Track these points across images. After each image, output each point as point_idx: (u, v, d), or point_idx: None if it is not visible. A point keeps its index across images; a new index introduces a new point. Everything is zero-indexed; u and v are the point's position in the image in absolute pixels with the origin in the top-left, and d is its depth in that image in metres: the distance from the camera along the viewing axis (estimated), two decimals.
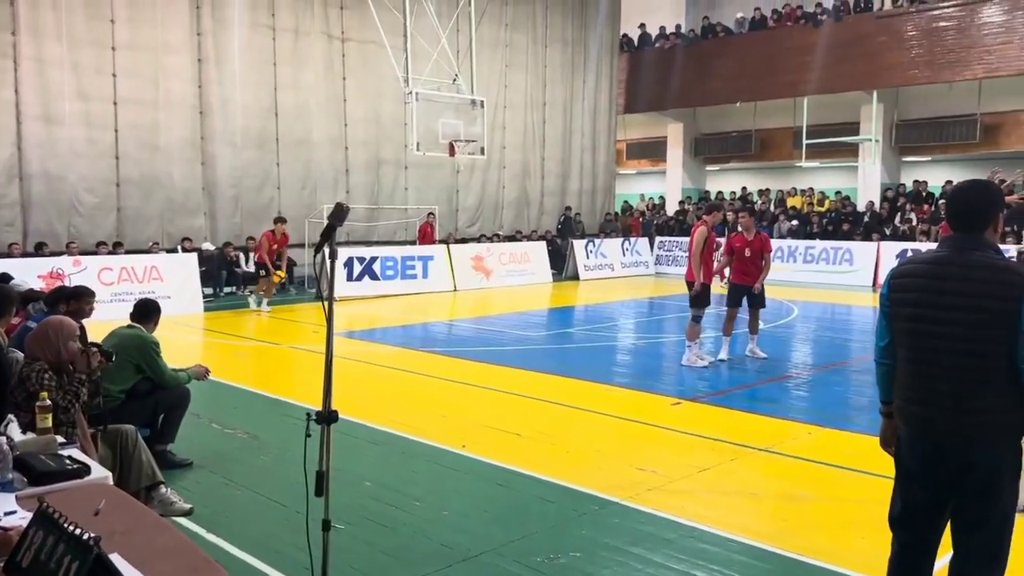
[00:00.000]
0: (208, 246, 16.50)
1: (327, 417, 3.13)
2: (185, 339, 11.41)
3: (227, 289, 16.59)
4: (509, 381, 8.84)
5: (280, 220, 14.71)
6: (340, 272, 16.38)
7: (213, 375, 6.28)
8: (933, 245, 18.47)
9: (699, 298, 9.36)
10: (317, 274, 13.90)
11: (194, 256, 15.00)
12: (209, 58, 16.76)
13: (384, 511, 4.94)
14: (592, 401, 7.93)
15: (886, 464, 3.29)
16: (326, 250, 3.14)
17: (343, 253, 16.53)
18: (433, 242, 18.90)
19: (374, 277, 16.84)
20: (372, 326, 13.24)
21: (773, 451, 6.22)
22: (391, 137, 19.34)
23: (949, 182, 20.62)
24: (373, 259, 16.91)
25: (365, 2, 17.22)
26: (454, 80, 17.43)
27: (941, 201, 20.03)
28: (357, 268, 16.60)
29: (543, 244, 20.82)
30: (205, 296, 15.05)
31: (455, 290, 17.94)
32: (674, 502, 5.10)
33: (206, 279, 15.41)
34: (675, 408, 7.63)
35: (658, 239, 23.19)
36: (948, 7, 19.10)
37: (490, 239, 20.69)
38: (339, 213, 3.12)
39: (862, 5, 21.01)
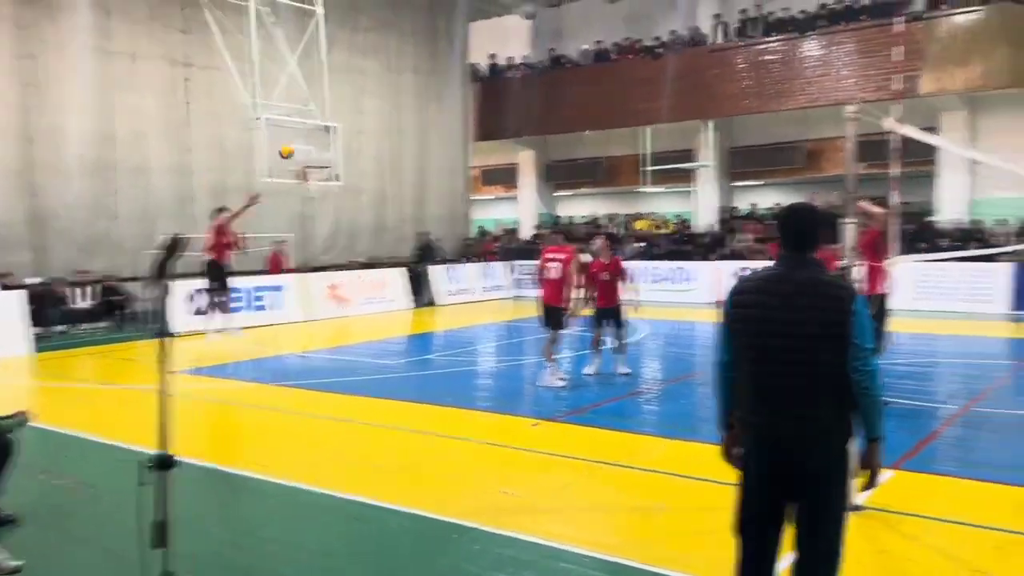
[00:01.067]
0: (35, 282, 15.26)
1: (163, 462, 2.97)
2: (10, 383, 10.49)
3: (58, 328, 15.38)
4: (367, 412, 8.69)
5: (222, 210, 13.84)
6: (185, 306, 15.59)
7: (43, 422, 5.82)
8: (767, 262, 19.81)
9: (559, 321, 9.68)
10: (155, 309, 13.21)
11: (20, 293, 13.83)
12: (37, 83, 15.61)
13: (237, 557, 4.72)
14: (453, 427, 7.92)
15: (733, 473, 3.47)
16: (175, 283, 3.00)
17: (188, 285, 15.74)
18: (284, 271, 18.35)
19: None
20: (222, 361, 12.67)
21: (627, 465, 6.43)
22: (239, 164, 18.66)
23: (778, 204, 22.23)
24: None
25: (207, 27, 16.62)
26: (305, 106, 17.09)
27: (772, 222, 21.55)
28: (204, 300, 15.84)
29: (401, 271, 20.69)
30: (34, 336, 13.89)
31: (310, 320, 17.49)
32: (534, 523, 5.17)
33: (35, 318, 14.23)
34: (534, 429, 7.75)
35: (515, 263, 23.58)
36: (773, 42, 20.68)
37: (346, 267, 20.33)
38: (173, 246, 2.99)
39: (696, 39, 22.38)
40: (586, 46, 24.66)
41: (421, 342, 15.05)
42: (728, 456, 3.44)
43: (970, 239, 17.43)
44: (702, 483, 5.87)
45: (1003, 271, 16.49)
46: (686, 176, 23.04)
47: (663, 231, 23.27)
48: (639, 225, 24.23)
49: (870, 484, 3.26)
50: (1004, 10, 17.34)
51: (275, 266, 18.46)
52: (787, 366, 3.11)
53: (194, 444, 7.25)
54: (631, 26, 24.78)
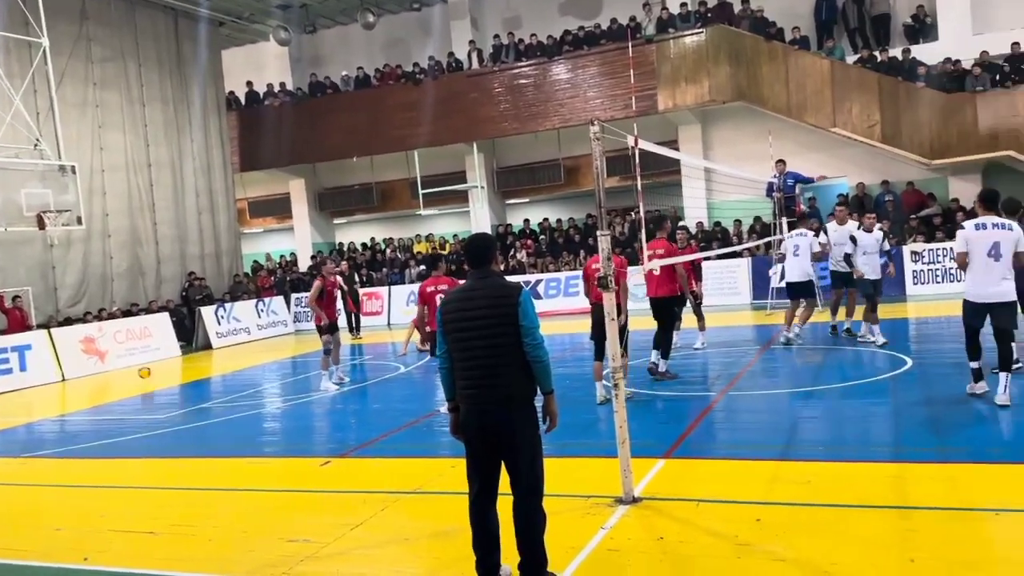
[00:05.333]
0: None
1: None
2: None
3: None
4: (138, 474, 7.99)
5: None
6: None
7: None
8: (541, 276, 20.51)
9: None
10: None
11: None
12: None
13: None
14: (236, 479, 7.49)
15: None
16: None
17: None
18: (27, 328, 16.45)
19: None
20: None
21: (422, 492, 6.41)
22: None
23: (546, 219, 23.35)
24: None
25: None
26: (36, 145, 15.48)
27: (542, 236, 22.56)
28: None
29: (166, 315, 19.28)
30: None
31: (63, 380, 15.80)
32: (328, 568, 4.99)
33: None
34: (324, 468, 7.50)
35: (294, 296, 22.81)
36: (524, 67, 21.69)
37: (100, 316, 18.59)
38: None
39: (454, 65, 22.96)
40: (346, 72, 24.51)
41: (196, 390, 14.08)
42: (455, 433, 4.45)
43: (713, 239, 19.28)
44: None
45: (744, 265, 18.41)
46: (461, 197, 23.53)
47: (443, 251, 23.56)
48: (419, 248, 24.38)
49: (551, 427, 4.39)
50: (721, 32, 19.44)
51: (16, 323, 16.51)
52: (481, 349, 4.22)
53: None
54: (389, 52, 24.99)
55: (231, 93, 24.98)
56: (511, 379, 4.22)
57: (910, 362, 9.86)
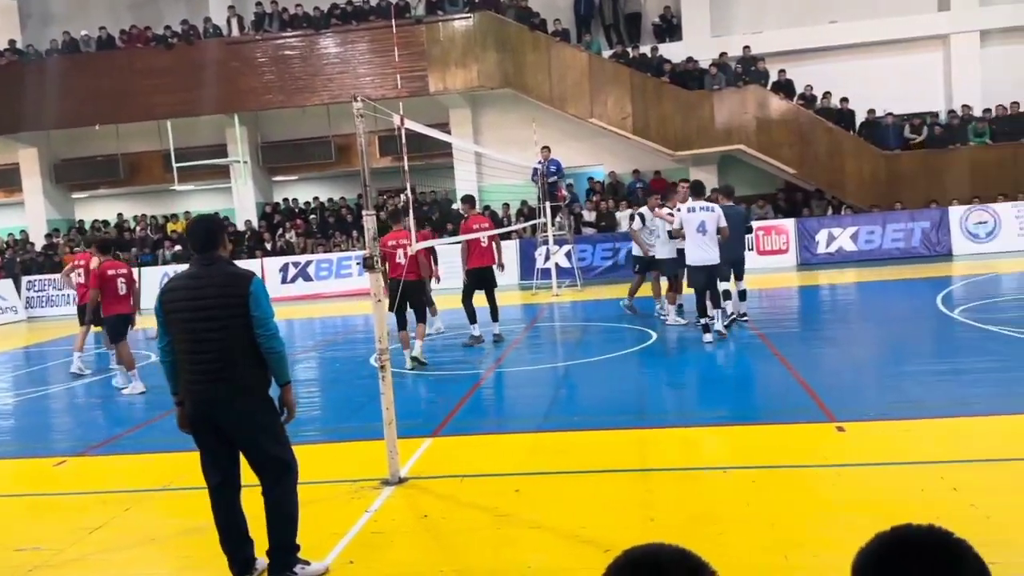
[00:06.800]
0: None
1: None
2: None
3: None
4: None
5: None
6: None
7: None
8: (312, 256, 19.92)
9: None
10: None
11: None
12: None
13: None
14: None
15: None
16: None
17: None
18: None
19: None
20: None
21: (170, 488, 6.00)
22: None
23: (316, 198, 22.69)
24: None
25: None
26: None
27: (312, 216, 21.91)
28: None
29: None
30: None
31: None
32: None
33: None
34: (59, 468, 6.79)
35: (26, 279, 20.35)
36: (291, 37, 20.80)
37: None
38: None
39: (211, 31, 21.50)
40: (86, 32, 22.11)
41: None
42: (182, 427, 4.17)
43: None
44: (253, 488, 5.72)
45: (512, 247, 19.03)
46: (223, 172, 22.16)
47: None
48: (174, 227, 22.65)
49: (288, 419, 4.19)
50: (489, 18, 19.84)
51: None
52: (210, 342, 3.93)
53: None
54: (137, 13, 22.89)
55: None
56: (241, 372, 3.99)
57: (654, 335, 10.75)
